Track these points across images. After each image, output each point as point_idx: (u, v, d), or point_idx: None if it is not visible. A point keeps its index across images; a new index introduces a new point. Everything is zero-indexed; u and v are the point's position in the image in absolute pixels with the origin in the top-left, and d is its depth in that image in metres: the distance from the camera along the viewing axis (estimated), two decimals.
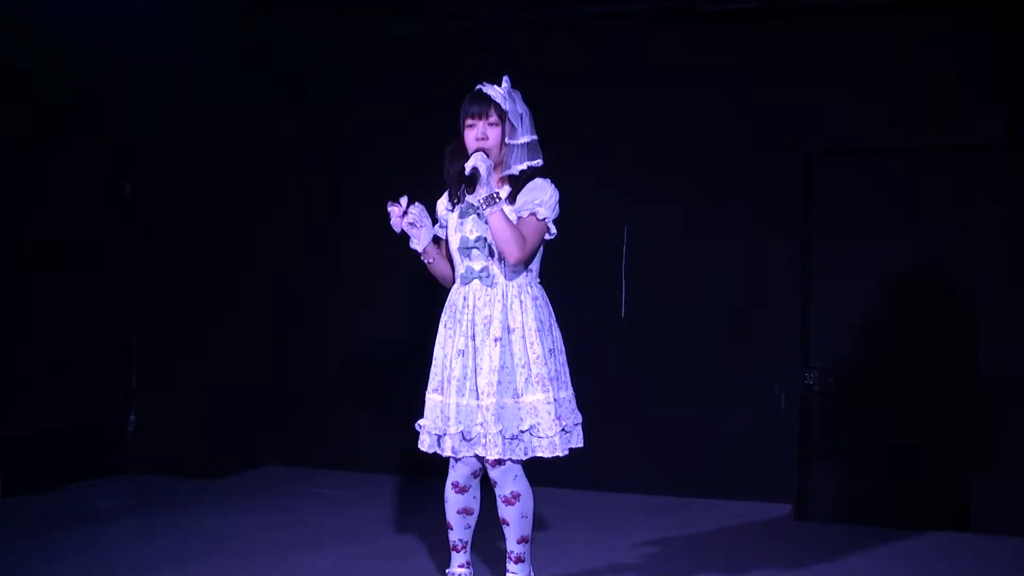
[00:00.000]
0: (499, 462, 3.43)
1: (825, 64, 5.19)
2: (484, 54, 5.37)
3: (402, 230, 3.56)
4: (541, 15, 5.57)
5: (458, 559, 3.62)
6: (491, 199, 3.34)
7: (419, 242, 3.56)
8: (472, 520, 3.62)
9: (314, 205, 6.11)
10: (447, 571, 3.64)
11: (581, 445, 3.53)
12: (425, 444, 3.53)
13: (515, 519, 3.49)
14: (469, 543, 3.64)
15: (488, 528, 4.13)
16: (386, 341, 5.84)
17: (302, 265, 6.13)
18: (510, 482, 3.47)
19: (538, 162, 3.49)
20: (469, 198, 3.41)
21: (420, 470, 5.28)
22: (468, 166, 3.33)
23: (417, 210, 3.54)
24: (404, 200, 3.55)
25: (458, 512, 3.59)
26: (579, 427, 3.54)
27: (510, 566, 3.54)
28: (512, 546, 3.52)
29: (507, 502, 3.49)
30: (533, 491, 3.53)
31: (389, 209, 3.55)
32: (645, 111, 5.50)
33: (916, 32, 5.05)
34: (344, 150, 6.05)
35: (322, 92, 6.07)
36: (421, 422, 3.55)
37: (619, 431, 5.45)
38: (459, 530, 3.61)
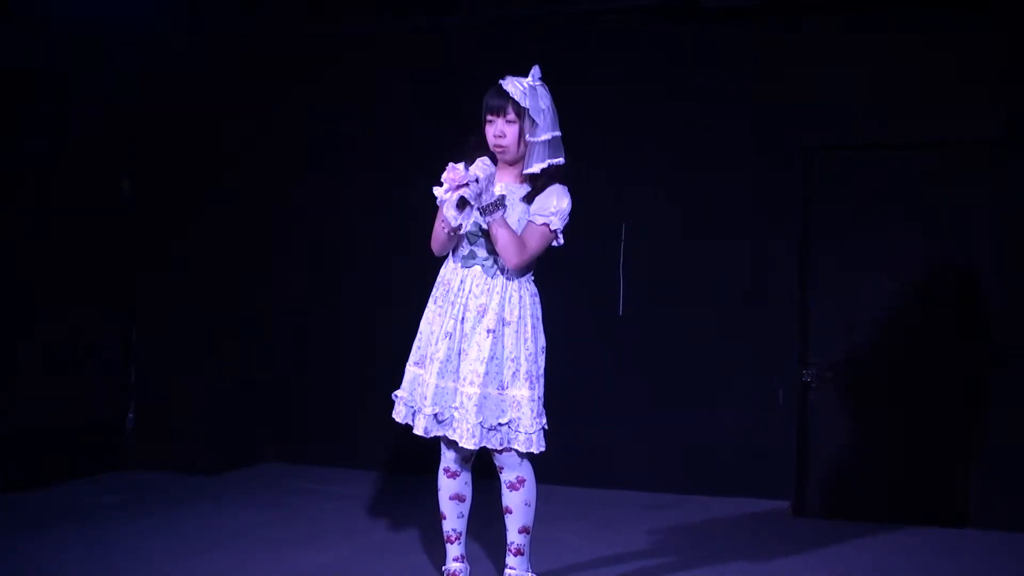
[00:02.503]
0: (504, 447, 3.43)
1: (825, 61, 5.20)
2: (482, 52, 5.38)
3: (457, 201, 3.27)
4: (540, 11, 5.57)
5: (453, 551, 3.62)
6: (491, 207, 3.33)
7: (464, 219, 3.32)
8: (465, 508, 3.62)
9: (314, 205, 6.11)
10: (443, 568, 3.64)
11: (543, 449, 3.46)
12: (400, 415, 3.54)
13: (518, 506, 3.49)
14: (463, 534, 3.63)
15: (486, 524, 4.15)
16: (385, 338, 5.84)
17: (302, 263, 6.13)
18: (516, 467, 3.47)
19: (560, 160, 3.46)
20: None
21: (418, 467, 5.28)
22: (469, 175, 3.25)
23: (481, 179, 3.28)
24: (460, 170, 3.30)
25: (450, 499, 3.59)
26: (542, 431, 3.47)
27: (509, 559, 3.55)
28: (513, 536, 3.53)
29: (512, 487, 3.49)
30: None
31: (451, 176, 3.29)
32: (644, 107, 5.51)
33: (916, 28, 5.06)
34: (345, 149, 6.06)
35: (323, 92, 6.07)
36: (398, 392, 3.56)
37: (617, 428, 5.46)
38: (452, 519, 3.60)
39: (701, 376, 5.39)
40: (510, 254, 3.37)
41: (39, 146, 5.36)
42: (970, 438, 4.94)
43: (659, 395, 5.44)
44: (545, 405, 3.49)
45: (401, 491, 5.38)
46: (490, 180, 3.33)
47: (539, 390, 3.43)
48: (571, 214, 3.52)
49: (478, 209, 3.33)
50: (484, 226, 3.38)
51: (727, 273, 5.39)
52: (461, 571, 3.62)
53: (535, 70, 3.46)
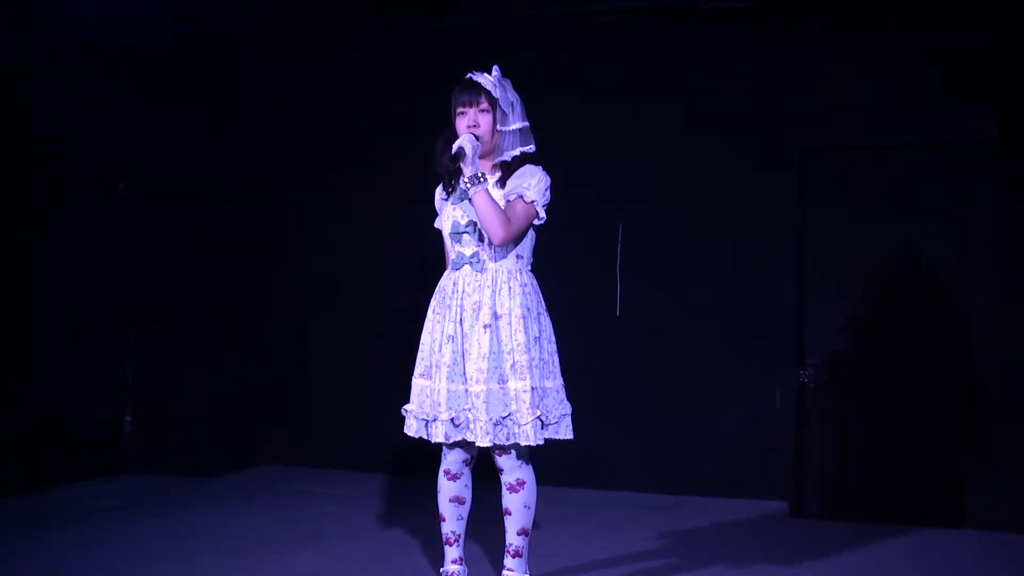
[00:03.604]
0: (504, 449, 3.44)
1: (824, 61, 5.20)
2: (481, 52, 5.33)
3: None
4: (538, 12, 5.58)
5: (451, 554, 3.62)
6: (475, 179, 3.37)
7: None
8: (464, 511, 3.63)
9: (314, 205, 6.10)
10: (442, 569, 3.65)
11: (570, 437, 3.50)
12: (412, 429, 3.54)
13: (518, 508, 3.50)
14: (462, 536, 3.64)
15: (485, 525, 4.15)
16: (385, 340, 5.84)
17: (301, 264, 6.13)
18: (516, 469, 3.48)
19: (531, 148, 3.53)
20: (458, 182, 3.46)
21: (418, 470, 5.28)
22: (455, 146, 3.38)
23: None
24: None
25: (450, 501, 3.60)
26: (567, 418, 3.51)
27: (507, 561, 3.55)
28: (512, 538, 3.53)
29: (512, 489, 3.50)
30: None
31: None
32: (642, 108, 5.51)
33: (916, 28, 5.05)
34: (344, 150, 6.05)
35: (322, 92, 6.06)
36: (407, 407, 3.56)
37: (615, 429, 5.46)
38: (451, 521, 3.61)
39: (700, 377, 5.39)
40: (496, 227, 3.38)
41: (37, 147, 5.36)
42: (970, 438, 4.93)
43: (656, 396, 5.44)
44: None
45: (400, 493, 5.38)
46: (476, 152, 3.39)
47: (534, 380, 3.40)
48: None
49: (465, 180, 3.37)
50: (470, 197, 3.40)
51: (726, 273, 5.39)
52: (459, 573, 3.62)
53: (496, 68, 3.53)
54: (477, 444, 3.41)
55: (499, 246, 3.44)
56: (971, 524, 4.81)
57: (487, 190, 3.39)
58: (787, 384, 5.22)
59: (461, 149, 3.37)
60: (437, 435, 3.46)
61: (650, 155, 5.51)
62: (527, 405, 3.38)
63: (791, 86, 5.25)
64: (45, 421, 5.35)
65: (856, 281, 5.13)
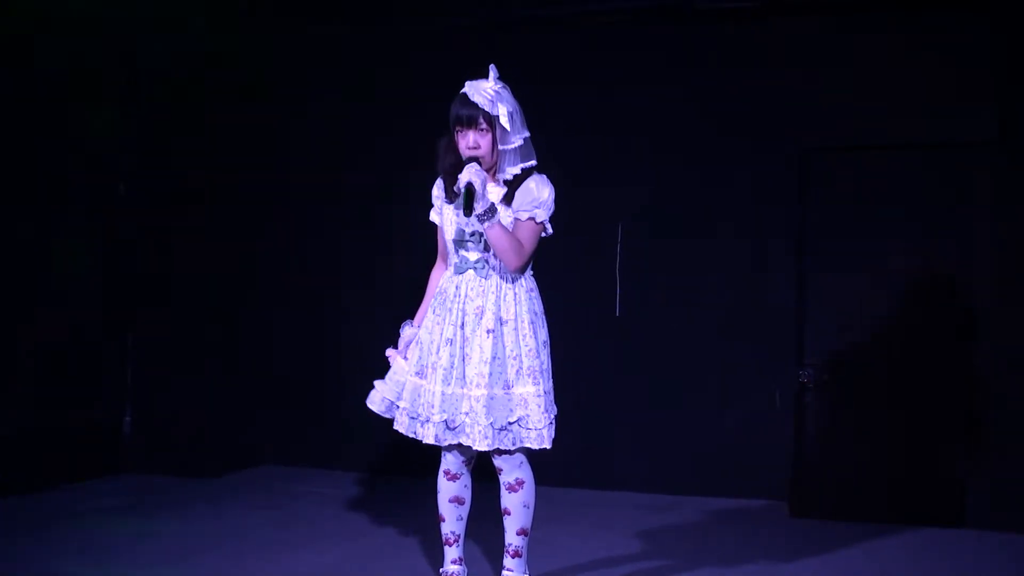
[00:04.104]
0: (502, 450, 3.43)
1: (824, 61, 5.20)
2: (479, 52, 5.34)
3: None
4: (538, 12, 5.57)
5: (451, 554, 3.63)
6: (488, 213, 3.33)
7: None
8: (464, 511, 3.63)
9: (313, 205, 6.10)
10: (441, 570, 3.65)
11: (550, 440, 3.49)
12: (404, 426, 3.53)
13: (517, 508, 3.50)
14: (462, 537, 3.64)
15: (485, 526, 4.15)
16: (386, 341, 5.81)
17: (301, 264, 6.12)
18: (515, 468, 3.48)
19: (532, 162, 3.48)
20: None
21: (417, 470, 5.28)
22: (462, 182, 3.30)
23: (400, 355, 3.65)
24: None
25: (449, 501, 3.61)
26: (552, 423, 3.49)
27: (507, 561, 3.55)
28: (511, 538, 3.53)
29: (511, 489, 3.50)
30: None
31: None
32: (641, 109, 5.50)
33: (916, 28, 5.05)
34: (345, 149, 6.05)
35: (320, 92, 6.06)
36: (399, 403, 3.55)
37: (614, 429, 5.47)
38: (451, 521, 3.62)
39: (699, 377, 5.39)
40: (511, 257, 3.38)
41: (36, 147, 5.36)
42: (969, 438, 4.93)
43: (656, 396, 5.44)
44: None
45: (400, 494, 5.37)
46: (484, 185, 3.34)
47: (544, 384, 3.43)
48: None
49: (476, 216, 3.33)
50: (481, 230, 3.38)
51: (725, 273, 5.39)
52: (459, 573, 3.63)
53: (493, 70, 3.45)
54: (475, 448, 3.41)
55: (513, 272, 3.43)
56: (971, 524, 4.81)
57: (500, 223, 3.36)
58: (787, 384, 5.22)
59: (471, 185, 3.28)
60: (427, 436, 3.46)
61: (650, 155, 5.51)
62: (541, 409, 3.40)
63: (791, 86, 5.24)
64: (45, 421, 5.35)
65: (855, 281, 5.12)
